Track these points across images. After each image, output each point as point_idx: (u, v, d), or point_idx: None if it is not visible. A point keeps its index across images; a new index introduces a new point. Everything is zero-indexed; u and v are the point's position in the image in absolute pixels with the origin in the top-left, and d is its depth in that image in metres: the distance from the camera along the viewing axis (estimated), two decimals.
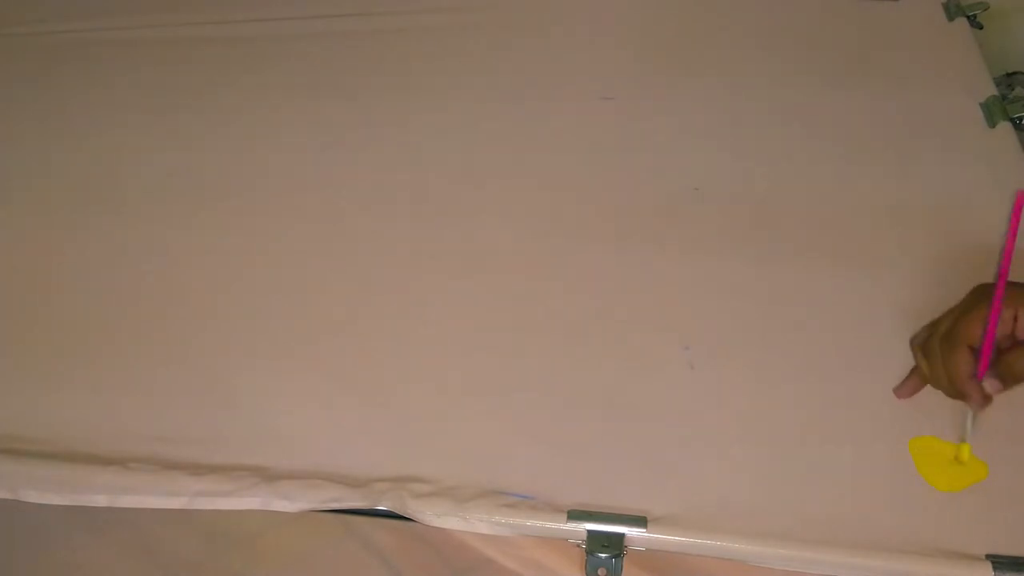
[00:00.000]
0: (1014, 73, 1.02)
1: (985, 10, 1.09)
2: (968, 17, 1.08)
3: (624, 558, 0.61)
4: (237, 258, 0.82)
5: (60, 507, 0.65)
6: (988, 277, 0.78)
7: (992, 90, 0.97)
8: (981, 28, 1.08)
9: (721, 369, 0.72)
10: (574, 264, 0.81)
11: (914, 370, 0.70)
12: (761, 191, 0.88)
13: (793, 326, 0.76)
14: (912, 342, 0.71)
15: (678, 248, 0.82)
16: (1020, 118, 0.93)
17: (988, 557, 0.60)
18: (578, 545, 0.62)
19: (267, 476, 0.64)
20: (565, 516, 0.62)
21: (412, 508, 0.63)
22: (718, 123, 0.96)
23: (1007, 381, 0.65)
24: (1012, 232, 0.64)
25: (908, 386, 0.70)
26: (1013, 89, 0.99)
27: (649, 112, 0.98)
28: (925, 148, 0.92)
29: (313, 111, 0.98)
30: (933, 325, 0.69)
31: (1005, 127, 0.92)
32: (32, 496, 0.65)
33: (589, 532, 0.62)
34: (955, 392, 0.66)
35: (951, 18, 1.09)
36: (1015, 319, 0.65)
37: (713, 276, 0.80)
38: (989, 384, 0.65)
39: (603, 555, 0.61)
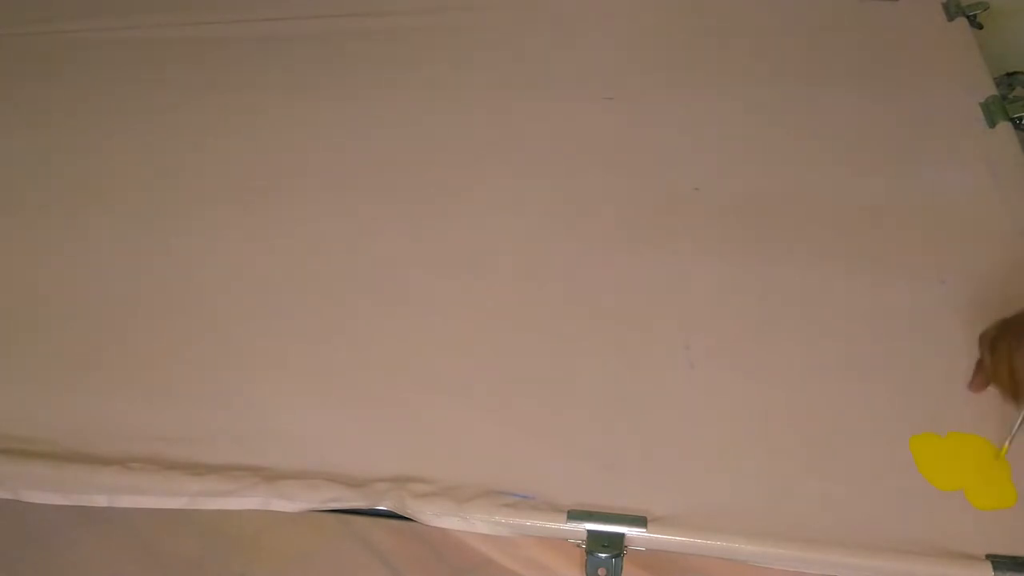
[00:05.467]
0: (1014, 73, 1.02)
1: (985, 10, 1.09)
2: (968, 17, 1.08)
3: (624, 558, 0.61)
4: (237, 258, 0.82)
5: (60, 507, 0.65)
6: (988, 276, 0.78)
7: (992, 90, 0.97)
8: (981, 28, 1.08)
9: (721, 368, 0.72)
10: (574, 264, 0.81)
11: (979, 364, 0.69)
12: (761, 191, 0.88)
13: (793, 325, 0.76)
14: (981, 337, 0.68)
15: (678, 248, 0.82)
16: (1020, 118, 0.93)
17: (988, 557, 0.60)
18: (578, 545, 0.62)
19: (267, 476, 0.64)
20: (565, 516, 0.62)
21: (412, 508, 0.63)
22: (718, 123, 0.96)
23: None
24: None
25: (977, 381, 0.69)
26: (1013, 89, 0.99)
27: (650, 112, 0.98)
28: (925, 148, 0.92)
29: (314, 111, 0.98)
30: (1005, 323, 0.67)
31: (1005, 127, 0.92)
32: (32, 496, 0.65)
33: (589, 532, 0.61)
34: (1012, 389, 0.64)
35: (951, 18, 1.09)
36: None
37: (713, 276, 0.80)
38: None
39: (603, 555, 0.61)
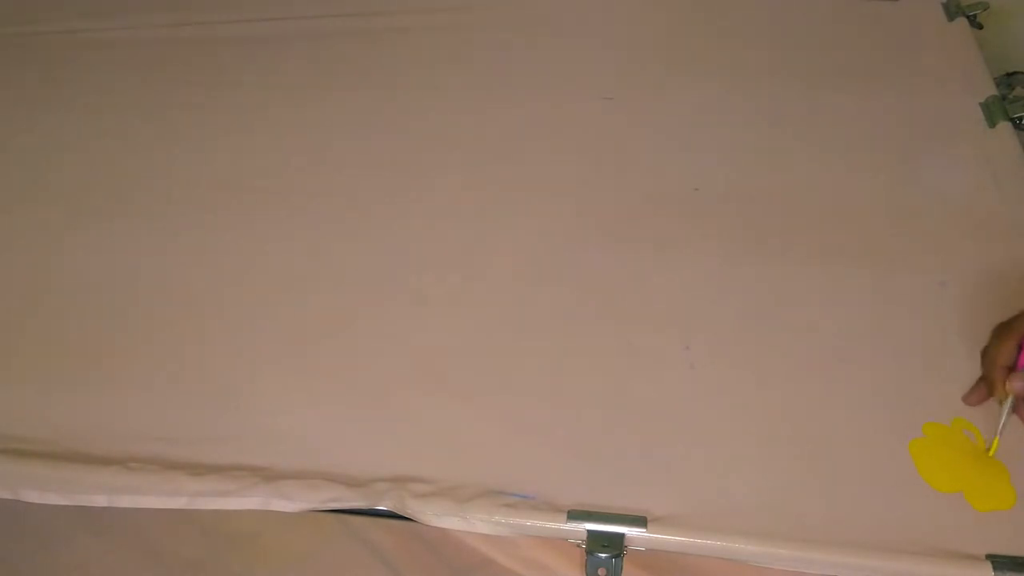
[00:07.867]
0: (1014, 73, 1.02)
1: (985, 10, 1.09)
2: (968, 17, 1.08)
3: (624, 558, 0.61)
4: (237, 258, 0.82)
5: (60, 507, 0.65)
6: (987, 276, 0.79)
7: (992, 90, 0.97)
8: (981, 28, 1.08)
9: (721, 369, 0.72)
10: (574, 264, 0.81)
11: (981, 379, 0.69)
12: (761, 191, 0.88)
13: (793, 326, 0.76)
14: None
15: (678, 248, 0.82)
16: (1020, 118, 0.93)
17: (988, 557, 0.60)
18: (578, 545, 0.62)
19: (267, 476, 0.64)
20: (565, 516, 0.62)
21: (412, 508, 0.63)
22: (718, 123, 0.96)
23: None
24: None
25: (976, 393, 0.69)
26: (1013, 89, 0.99)
27: (649, 112, 0.98)
28: (925, 148, 0.92)
29: (313, 112, 0.98)
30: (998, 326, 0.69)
31: (1005, 127, 0.92)
32: (32, 496, 0.65)
33: (589, 532, 0.62)
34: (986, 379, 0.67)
35: (951, 18, 1.09)
36: None
37: (713, 276, 0.80)
38: (1019, 378, 0.65)
39: (603, 555, 0.61)
